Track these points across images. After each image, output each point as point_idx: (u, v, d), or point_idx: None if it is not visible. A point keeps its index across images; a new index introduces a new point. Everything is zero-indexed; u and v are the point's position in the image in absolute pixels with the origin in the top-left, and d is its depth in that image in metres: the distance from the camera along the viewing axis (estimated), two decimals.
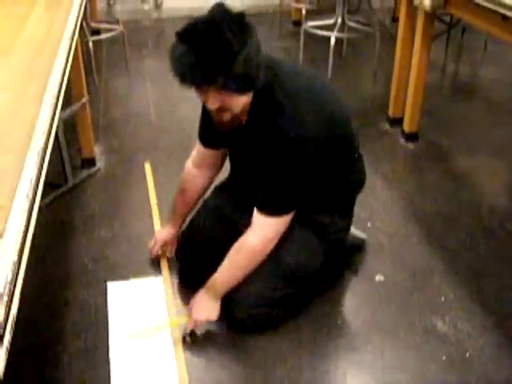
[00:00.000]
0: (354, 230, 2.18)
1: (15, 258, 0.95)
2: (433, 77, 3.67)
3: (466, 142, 3.04)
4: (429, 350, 1.80)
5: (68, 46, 1.78)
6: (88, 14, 3.98)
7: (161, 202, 2.52)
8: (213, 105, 1.51)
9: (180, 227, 2.13)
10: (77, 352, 1.80)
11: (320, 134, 1.60)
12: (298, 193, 1.69)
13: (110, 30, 4.14)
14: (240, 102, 1.53)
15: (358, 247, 2.20)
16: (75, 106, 2.62)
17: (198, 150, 1.98)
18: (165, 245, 2.14)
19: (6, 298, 0.87)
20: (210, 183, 2.06)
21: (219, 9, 1.45)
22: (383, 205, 2.52)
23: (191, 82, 1.46)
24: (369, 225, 2.35)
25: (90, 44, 3.73)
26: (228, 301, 1.82)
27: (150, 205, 2.52)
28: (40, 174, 1.22)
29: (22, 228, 1.02)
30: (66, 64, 1.67)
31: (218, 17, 1.43)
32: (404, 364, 1.76)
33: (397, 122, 3.13)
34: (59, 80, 1.53)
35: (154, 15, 5.13)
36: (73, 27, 1.96)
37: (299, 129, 1.57)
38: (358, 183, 1.95)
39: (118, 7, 4.98)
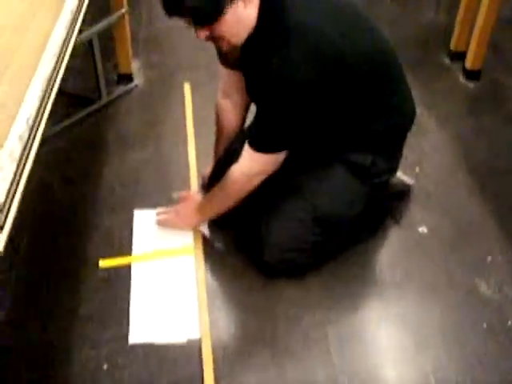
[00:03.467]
0: (401, 175, 2.02)
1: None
2: (504, 8, 3.33)
3: None
4: (468, 313, 1.67)
5: None
6: None
7: (198, 125, 2.39)
8: (203, 34, 1.47)
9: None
10: (97, 282, 1.74)
11: (314, 76, 1.46)
12: (289, 133, 1.59)
13: None
14: (226, 25, 1.43)
15: (403, 194, 2.04)
16: (113, 17, 2.45)
17: (221, 76, 1.88)
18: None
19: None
20: (244, 112, 1.93)
21: None
22: (434, 148, 2.33)
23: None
24: (417, 170, 2.18)
25: None
26: (259, 242, 1.72)
27: (186, 128, 2.39)
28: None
29: None
30: None
31: None
32: (439, 325, 1.64)
33: (458, 56, 2.86)
34: None
35: None
36: None
37: (289, 70, 1.46)
38: (401, 122, 1.75)
39: None
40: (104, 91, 2.50)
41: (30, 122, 0.97)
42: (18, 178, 0.92)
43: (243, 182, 1.67)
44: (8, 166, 0.89)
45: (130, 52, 2.66)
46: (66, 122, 2.37)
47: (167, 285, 1.73)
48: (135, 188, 2.09)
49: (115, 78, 2.68)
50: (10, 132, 0.94)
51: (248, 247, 1.80)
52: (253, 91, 1.70)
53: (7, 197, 0.86)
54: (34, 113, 0.98)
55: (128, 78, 2.66)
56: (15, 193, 0.89)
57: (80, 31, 2.33)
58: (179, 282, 1.74)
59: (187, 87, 2.64)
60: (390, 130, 1.71)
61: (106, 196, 2.05)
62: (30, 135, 0.96)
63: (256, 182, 1.66)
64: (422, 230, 1.94)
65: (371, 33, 1.61)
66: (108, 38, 2.62)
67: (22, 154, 0.95)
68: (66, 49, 1.16)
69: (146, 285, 1.73)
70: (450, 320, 1.65)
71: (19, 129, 0.97)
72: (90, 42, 2.36)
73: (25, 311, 1.66)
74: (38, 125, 0.98)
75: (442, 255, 1.86)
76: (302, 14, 1.49)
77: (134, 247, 1.85)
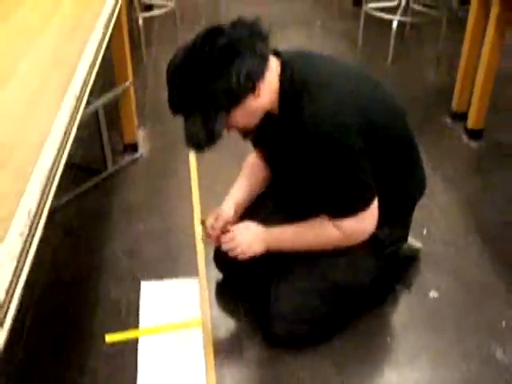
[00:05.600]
0: (409, 239, 1.99)
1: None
2: (504, 66, 3.38)
3: None
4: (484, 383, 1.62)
5: (105, 23, 1.63)
6: None
7: (203, 195, 2.39)
8: None
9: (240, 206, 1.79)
10: (103, 357, 1.70)
11: (354, 120, 1.43)
12: (365, 182, 1.50)
13: (162, 7, 4.01)
14: (240, 115, 1.44)
15: (412, 258, 2.02)
16: (118, 90, 2.50)
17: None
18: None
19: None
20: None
21: (206, 37, 1.38)
22: (441, 209, 2.31)
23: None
24: (424, 232, 2.16)
25: (140, 21, 3.61)
26: (266, 313, 1.69)
27: (191, 198, 2.39)
28: None
29: None
30: (98, 50, 1.54)
31: (199, 49, 1.38)
32: None
33: (460, 116, 2.89)
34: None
35: None
36: (112, 4, 1.81)
37: (326, 120, 1.41)
38: (417, 191, 1.77)
39: None
40: (110, 161, 2.52)
41: (31, 216, 0.94)
42: (17, 274, 0.87)
43: (361, 237, 1.59)
44: (7, 264, 0.84)
45: (136, 122, 2.70)
46: (71, 194, 2.37)
47: (175, 359, 1.69)
48: (141, 259, 2.08)
49: (121, 147, 2.71)
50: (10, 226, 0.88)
51: (256, 319, 1.77)
52: (293, 164, 1.58)
53: (6, 295, 0.81)
54: (34, 207, 0.95)
55: (133, 147, 2.69)
56: (14, 293, 0.82)
57: (87, 103, 2.39)
58: (187, 356, 1.69)
59: (192, 158, 2.65)
60: (408, 197, 1.73)
61: (112, 267, 2.04)
62: (30, 228, 0.92)
63: (372, 230, 1.58)
64: (433, 294, 1.90)
65: (388, 99, 1.63)
66: (114, 108, 2.66)
67: (22, 250, 0.89)
68: (68, 138, 1.16)
69: (154, 359, 1.69)
70: None
71: (19, 224, 0.91)
72: (95, 114, 2.40)
73: None
74: (40, 217, 0.94)
75: (454, 321, 1.81)
76: (322, 76, 1.48)
77: (141, 320, 1.82)
